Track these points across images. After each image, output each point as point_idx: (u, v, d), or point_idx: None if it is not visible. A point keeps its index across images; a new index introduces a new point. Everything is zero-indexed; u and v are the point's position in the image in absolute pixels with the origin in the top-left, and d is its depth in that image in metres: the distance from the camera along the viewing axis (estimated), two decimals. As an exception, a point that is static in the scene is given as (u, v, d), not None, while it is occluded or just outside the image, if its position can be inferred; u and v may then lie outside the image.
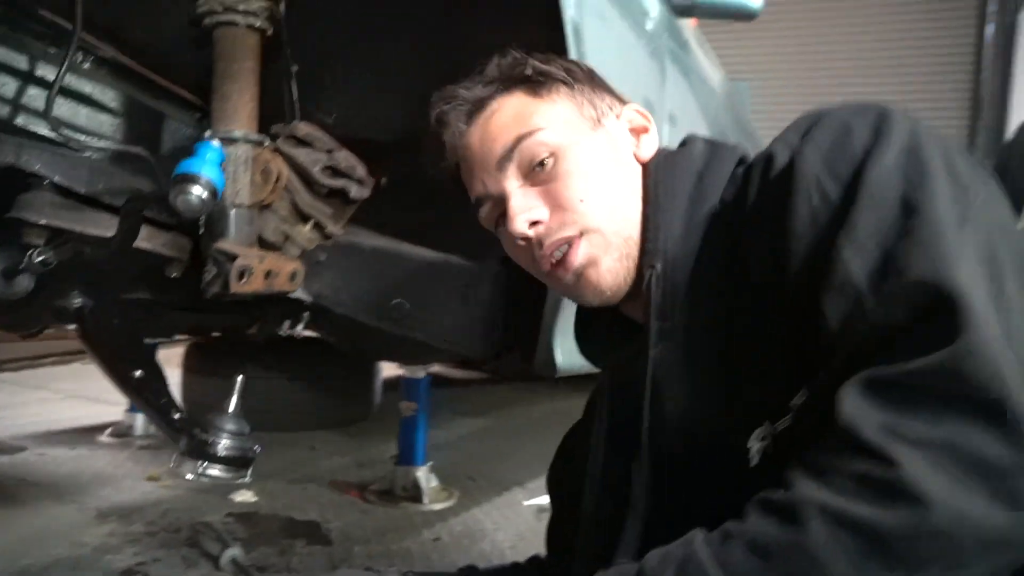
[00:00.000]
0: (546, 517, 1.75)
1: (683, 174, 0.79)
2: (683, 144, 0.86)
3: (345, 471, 2.16)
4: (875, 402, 0.54)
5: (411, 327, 1.46)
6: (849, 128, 0.65)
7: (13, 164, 1.03)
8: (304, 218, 1.21)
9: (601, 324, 0.91)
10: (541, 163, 0.79)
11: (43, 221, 1.06)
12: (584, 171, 0.79)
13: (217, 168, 0.96)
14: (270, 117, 1.24)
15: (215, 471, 0.97)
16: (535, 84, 0.83)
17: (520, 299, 1.44)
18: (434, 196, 1.48)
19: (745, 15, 2.15)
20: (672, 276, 0.76)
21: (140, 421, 2.45)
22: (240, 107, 1.15)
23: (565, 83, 0.83)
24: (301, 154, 1.20)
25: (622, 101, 0.87)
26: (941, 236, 0.57)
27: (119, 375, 1.12)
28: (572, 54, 1.23)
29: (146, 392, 1.08)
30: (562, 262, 0.79)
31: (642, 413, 0.80)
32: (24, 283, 1.08)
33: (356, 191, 1.21)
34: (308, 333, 1.85)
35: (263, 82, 1.19)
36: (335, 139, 1.27)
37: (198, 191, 0.92)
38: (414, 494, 1.87)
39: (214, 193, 0.94)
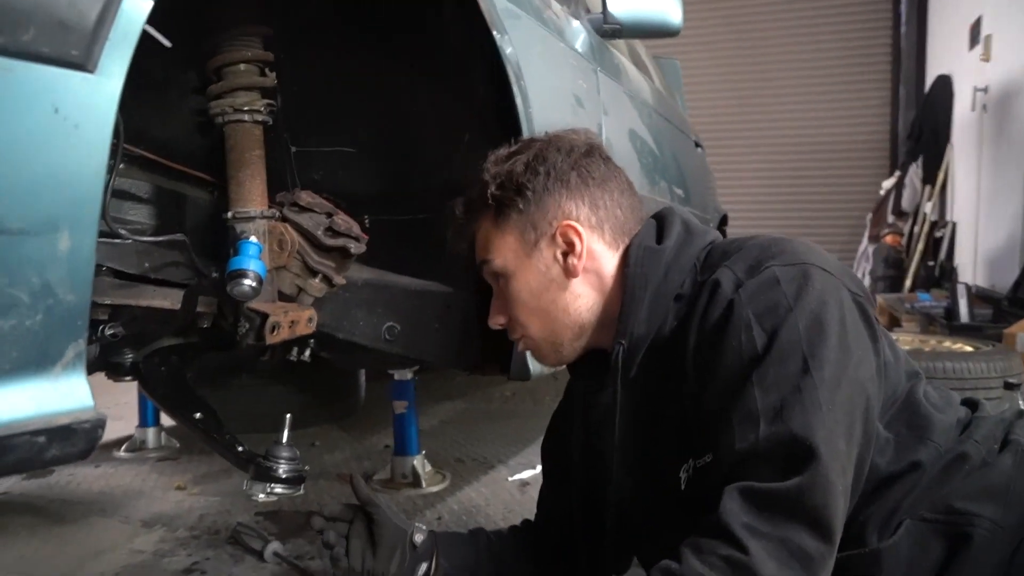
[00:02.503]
0: (528, 490, 2.07)
1: (654, 268, 1.03)
2: (663, 222, 1.09)
3: (347, 464, 2.43)
4: (744, 506, 0.84)
5: (403, 346, 1.71)
6: (778, 284, 0.92)
7: (80, 259, 1.27)
8: (313, 272, 1.46)
9: None
10: (497, 278, 1.09)
11: (107, 300, 1.30)
12: (520, 297, 1.07)
13: (258, 259, 1.21)
14: (274, 190, 1.48)
15: (280, 489, 1.25)
16: (499, 209, 1.06)
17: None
18: (411, 232, 1.75)
19: (668, 32, 2.41)
20: (633, 348, 1.04)
21: (151, 435, 2.68)
22: (253, 189, 1.39)
23: (515, 209, 1.05)
24: (305, 219, 1.45)
25: (569, 211, 1.05)
26: (818, 401, 0.85)
27: (184, 419, 1.37)
28: (514, 88, 1.43)
29: (212, 430, 1.34)
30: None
31: (603, 436, 1.10)
32: (93, 352, 1.33)
33: (355, 247, 1.46)
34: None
35: (267, 162, 1.44)
36: (323, 191, 1.52)
37: (249, 282, 1.17)
38: (413, 480, 2.15)
39: (260, 281, 1.20)
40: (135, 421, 2.74)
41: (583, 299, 1.07)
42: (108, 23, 0.69)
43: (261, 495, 1.26)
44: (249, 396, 2.63)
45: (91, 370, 1.49)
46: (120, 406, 3.31)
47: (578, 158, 1.07)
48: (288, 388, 2.68)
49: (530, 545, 1.31)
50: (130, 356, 1.45)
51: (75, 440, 0.67)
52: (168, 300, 1.33)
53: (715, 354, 0.93)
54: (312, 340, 1.75)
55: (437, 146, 1.66)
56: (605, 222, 1.07)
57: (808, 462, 0.83)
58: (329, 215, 1.46)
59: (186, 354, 1.60)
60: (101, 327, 1.28)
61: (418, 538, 1.23)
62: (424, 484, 2.13)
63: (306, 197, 1.46)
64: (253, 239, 1.25)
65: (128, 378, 1.45)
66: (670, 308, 1.02)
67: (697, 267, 1.03)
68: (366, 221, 1.66)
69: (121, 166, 1.38)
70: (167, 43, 0.87)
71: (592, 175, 1.07)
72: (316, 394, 2.85)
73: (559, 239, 1.05)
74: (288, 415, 1.29)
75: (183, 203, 1.49)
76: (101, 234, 1.31)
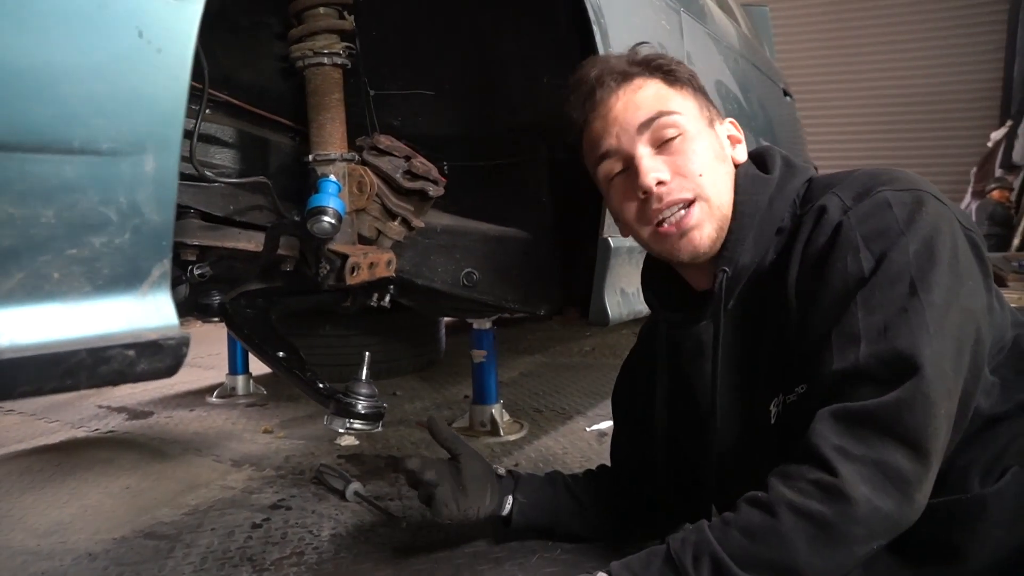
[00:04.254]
0: (606, 440, 2.06)
1: (760, 196, 1.01)
2: (763, 157, 1.07)
3: (427, 412, 2.48)
4: (835, 428, 0.81)
5: (481, 292, 1.72)
6: (889, 208, 0.88)
7: (171, 201, 1.32)
8: (392, 216, 1.47)
9: (661, 278, 1.16)
10: (670, 139, 0.99)
11: (195, 242, 1.34)
12: (704, 154, 1.00)
13: (337, 197, 1.23)
14: (355, 135, 1.49)
15: (359, 424, 1.29)
16: (670, 76, 1.04)
17: (572, 263, 1.70)
18: (490, 178, 1.74)
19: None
20: (736, 278, 1.01)
21: (240, 383, 2.79)
22: (333, 132, 1.40)
23: (691, 85, 1.05)
24: (384, 162, 1.46)
25: (721, 113, 1.09)
26: (926, 322, 0.81)
27: (269, 357, 1.41)
28: (595, 28, 1.41)
29: (295, 369, 1.38)
30: (676, 223, 0.99)
31: (700, 370, 1.08)
32: (183, 292, 1.38)
33: (433, 190, 1.47)
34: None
35: (347, 108, 1.45)
36: (402, 137, 1.53)
37: (328, 219, 1.19)
38: (491, 428, 2.17)
39: (339, 219, 1.21)
40: (226, 370, 2.85)
41: (730, 192, 1.03)
42: (189, -53, 0.70)
43: (341, 430, 1.30)
44: (332, 346, 2.71)
45: (182, 312, 1.55)
46: (212, 356, 3.47)
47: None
48: (370, 338, 2.75)
49: (606, 488, 1.31)
50: (218, 298, 1.50)
51: (162, 356, 0.69)
52: (252, 242, 1.37)
53: (819, 278, 0.90)
54: (392, 286, 1.78)
55: (517, 89, 1.64)
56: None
57: (910, 376, 0.80)
58: (407, 158, 1.46)
59: (271, 297, 1.65)
60: (190, 267, 1.33)
61: (501, 471, 1.24)
62: (502, 432, 2.15)
63: (385, 140, 1.47)
64: (333, 177, 1.26)
65: (216, 319, 1.50)
66: (772, 241, 0.99)
67: (797, 201, 1.00)
68: (444, 167, 1.66)
69: (207, 111, 1.42)
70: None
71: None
72: (397, 344, 2.91)
73: (725, 128, 1.07)
74: (367, 353, 1.31)
75: (267, 148, 1.52)
76: (188, 177, 1.37)
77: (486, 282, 1.72)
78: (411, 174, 1.46)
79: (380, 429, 1.34)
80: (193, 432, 2.32)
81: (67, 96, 0.63)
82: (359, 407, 1.29)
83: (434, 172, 1.48)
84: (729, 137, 1.07)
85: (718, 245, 1.01)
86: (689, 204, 0.99)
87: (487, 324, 2.19)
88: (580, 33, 1.46)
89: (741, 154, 1.07)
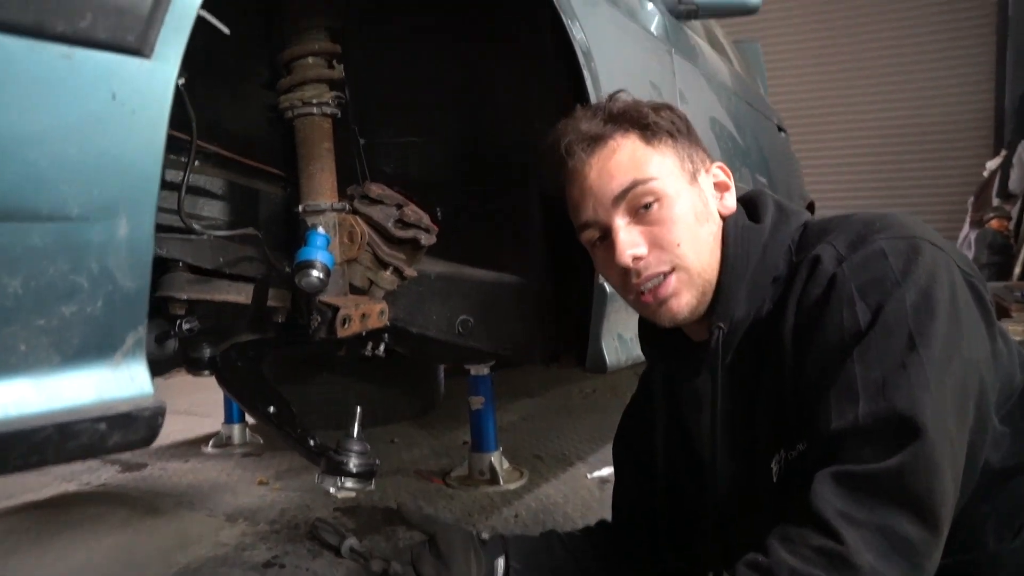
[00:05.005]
0: (607, 487, 2.01)
1: (752, 247, 0.97)
2: (754, 202, 1.03)
3: (425, 460, 2.43)
4: (838, 492, 0.77)
5: (476, 339, 1.69)
6: (884, 258, 0.85)
7: (159, 255, 1.30)
8: (384, 265, 1.45)
9: (658, 328, 1.08)
10: (647, 206, 0.95)
11: (183, 295, 1.32)
12: (682, 219, 0.95)
13: (326, 251, 1.20)
14: (345, 183, 1.48)
15: (351, 483, 1.24)
16: (647, 131, 0.97)
17: (568, 309, 1.67)
18: (484, 223, 1.72)
19: (746, 10, 2.32)
20: (732, 331, 0.98)
21: (236, 432, 2.75)
22: (323, 182, 1.39)
23: (671, 135, 0.98)
24: (375, 211, 1.44)
25: (710, 157, 1.04)
26: (926, 379, 0.78)
27: (259, 413, 1.38)
28: (584, 71, 1.39)
29: (285, 425, 1.34)
30: (652, 291, 0.96)
31: (698, 423, 1.05)
32: (171, 346, 1.35)
33: (425, 239, 1.45)
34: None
35: (337, 156, 1.43)
36: (394, 184, 1.51)
37: (316, 273, 1.17)
38: (490, 477, 2.13)
39: (328, 272, 1.19)
40: (222, 418, 2.80)
41: (715, 250, 0.99)
42: (163, 8, 0.68)
43: (331, 489, 1.26)
44: (328, 392, 2.67)
45: (171, 365, 1.52)
46: (208, 404, 3.42)
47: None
48: (367, 384, 2.71)
49: (606, 545, 1.27)
50: (208, 351, 1.47)
51: (136, 427, 0.66)
52: (242, 294, 1.34)
53: (814, 332, 0.87)
54: (386, 334, 1.75)
55: (508, 133, 1.63)
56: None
57: (912, 440, 0.76)
58: (399, 207, 1.45)
59: (263, 349, 1.62)
60: (178, 321, 1.30)
61: (485, 535, 1.20)
62: (502, 481, 2.10)
63: (376, 189, 1.45)
64: (320, 230, 1.24)
65: (206, 372, 1.47)
66: (767, 291, 0.96)
67: (792, 248, 0.97)
68: (438, 213, 1.64)
69: (196, 163, 1.41)
70: (225, 30, 0.87)
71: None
72: (395, 390, 2.87)
73: (713, 175, 1.02)
74: (359, 408, 1.27)
75: (257, 198, 1.51)
76: (176, 229, 1.35)
77: (481, 329, 1.69)
78: (403, 223, 1.44)
79: (373, 487, 1.30)
80: (187, 485, 2.27)
81: (35, 161, 0.61)
82: (350, 465, 1.25)
83: (426, 220, 1.46)
84: (717, 184, 1.03)
85: (701, 309, 0.98)
86: (668, 274, 0.96)
87: (485, 370, 2.16)
88: (570, 75, 1.46)
89: (730, 202, 1.03)
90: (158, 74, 0.68)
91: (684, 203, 0.96)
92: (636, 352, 1.65)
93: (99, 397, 0.65)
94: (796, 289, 0.91)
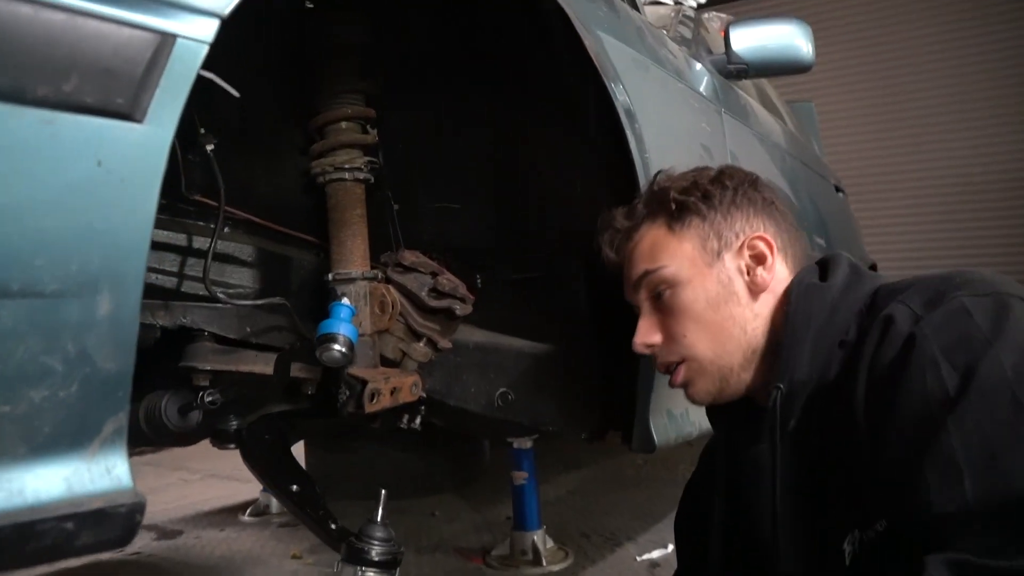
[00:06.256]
0: (659, 572, 1.86)
1: (819, 306, 0.90)
2: (828, 263, 0.97)
3: (466, 536, 2.32)
4: None
5: (517, 413, 1.60)
6: (969, 315, 0.75)
7: (183, 324, 1.26)
8: (417, 336, 1.39)
9: None
10: (659, 295, 0.98)
11: (207, 367, 1.27)
12: (693, 308, 0.95)
13: (349, 324, 1.15)
14: (379, 250, 1.43)
15: (372, 573, 1.15)
16: (671, 216, 0.99)
17: (614, 381, 1.57)
18: (525, 291, 1.65)
19: (798, 68, 2.24)
20: (793, 394, 0.90)
21: (275, 500, 2.68)
22: (354, 249, 1.34)
23: (699, 214, 0.98)
24: (409, 280, 1.39)
25: (751, 226, 0.98)
26: None
27: (280, 490, 1.31)
28: (628, 132, 1.33)
29: (306, 506, 1.27)
30: (671, 379, 0.98)
31: (758, 499, 0.95)
32: (195, 418, 1.30)
33: (460, 309, 1.38)
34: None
35: (371, 222, 1.39)
36: (430, 252, 1.46)
37: (339, 347, 1.11)
38: (533, 558, 2.01)
39: (351, 347, 1.13)
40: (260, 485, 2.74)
41: (760, 320, 0.95)
42: (159, 70, 0.64)
43: (350, 579, 1.16)
44: (366, 461, 2.59)
45: (197, 437, 1.47)
46: (243, 468, 3.37)
47: (758, 181, 1.04)
48: (406, 453, 2.63)
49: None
50: (235, 423, 1.42)
51: (109, 525, 0.59)
52: (269, 366, 1.29)
53: (892, 401, 0.77)
54: (422, 407, 1.67)
55: (549, 198, 1.57)
56: (789, 247, 0.99)
57: None
58: (434, 275, 1.39)
59: (291, 422, 1.56)
60: (201, 393, 1.25)
61: None
62: (545, 562, 1.98)
63: (410, 256, 1.40)
64: (345, 301, 1.19)
65: (231, 446, 1.41)
66: (835, 354, 0.88)
67: (864, 311, 0.88)
68: (478, 280, 1.58)
69: (226, 230, 1.38)
70: (234, 92, 0.82)
71: (774, 201, 1.02)
72: (436, 459, 2.78)
73: (745, 252, 0.97)
74: (383, 491, 1.19)
75: (289, 265, 1.47)
76: (201, 298, 1.31)
77: (522, 402, 1.61)
78: (437, 292, 1.38)
79: None
80: (219, 555, 2.21)
81: (6, 233, 0.56)
82: (372, 553, 1.16)
83: (461, 289, 1.40)
84: (755, 256, 0.97)
85: (728, 393, 0.97)
86: (679, 364, 0.98)
87: (528, 443, 2.07)
88: (613, 136, 1.39)
89: (778, 270, 0.97)
90: (151, 139, 0.64)
91: (695, 290, 0.96)
92: (687, 429, 1.55)
93: (68, 493, 0.58)
94: (867, 352, 0.82)
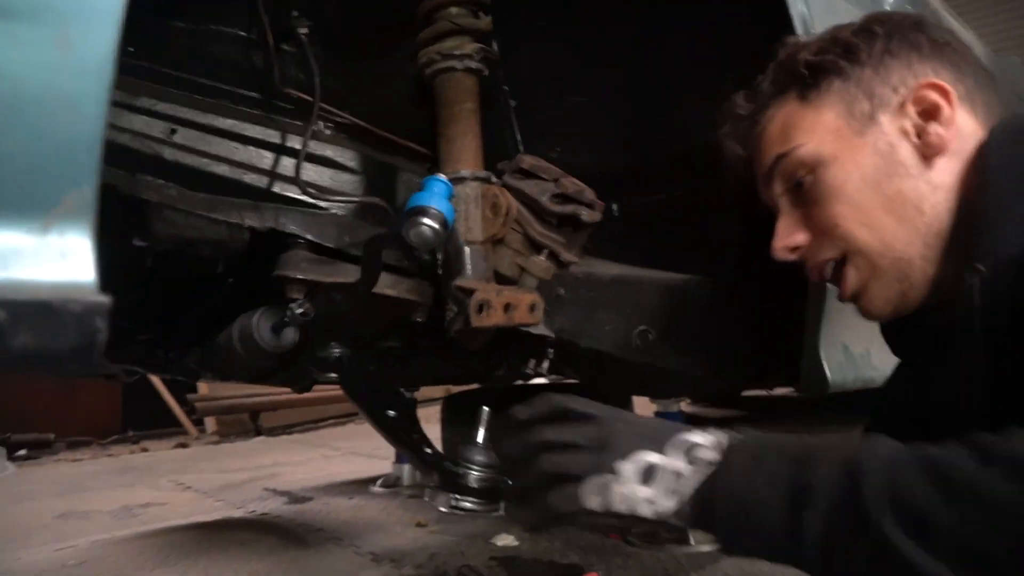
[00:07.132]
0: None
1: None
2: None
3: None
4: None
5: (659, 356, 1.37)
6: None
7: (273, 227, 1.14)
8: (538, 248, 1.19)
9: None
10: (799, 183, 0.76)
11: (301, 276, 1.14)
12: (844, 190, 0.73)
13: (445, 200, 0.97)
14: (494, 159, 1.26)
15: (467, 503, 0.96)
16: (804, 84, 0.76)
17: (775, 314, 1.31)
18: (666, 216, 1.43)
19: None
20: (999, 278, 0.63)
21: (407, 472, 2.58)
22: (464, 147, 1.17)
23: (839, 73, 0.75)
24: (528, 185, 1.19)
25: (914, 74, 0.73)
26: None
27: (374, 415, 1.15)
28: (791, 10, 1.11)
29: (400, 430, 1.10)
30: (840, 289, 0.77)
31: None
32: (290, 336, 1.17)
33: (587, 215, 1.17)
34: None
35: (486, 125, 1.22)
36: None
37: (429, 222, 0.94)
38: (680, 535, 1.76)
39: (444, 224, 0.95)
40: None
41: (941, 193, 0.70)
42: None
43: (443, 508, 0.96)
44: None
45: (298, 365, 1.35)
46: (383, 447, 3.32)
47: (923, 21, 0.78)
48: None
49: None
50: (337, 351, 1.28)
51: (58, 328, 0.43)
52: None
53: None
54: (550, 349, 1.48)
55: (693, 102, 1.33)
56: (977, 94, 0.74)
57: None
58: (556, 180, 1.19)
59: (405, 358, 1.41)
60: (291, 305, 1.12)
61: None
62: (692, 541, 1.73)
63: (529, 160, 1.21)
64: (442, 176, 1.01)
65: (331, 375, 1.28)
66: None
67: None
68: (614, 209, 1.38)
69: (322, 129, 1.25)
70: None
71: (949, 40, 0.76)
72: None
73: (911, 107, 0.72)
74: (485, 409, 0.98)
75: (395, 177, 1.32)
76: (297, 202, 1.19)
77: (664, 343, 1.37)
78: (561, 196, 1.17)
79: (500, 512, 0.98)
80: (342, 521, 2.11)
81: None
82: (470, 479, 0.96)
83: (589, 194, 1.19)
84: (924, 112, 0.71)
85: (912, 297, 0.73)
86: (842, 264, 0.75)
87: (673, 407, 1.82)
88: (771, 20, 1.15)
89: (961, 124, 0.71)
90: None
91: (843, 168, 0.73)
92: (868, 373, 1.25)
93: (3, 271, 0.43)
94: None
